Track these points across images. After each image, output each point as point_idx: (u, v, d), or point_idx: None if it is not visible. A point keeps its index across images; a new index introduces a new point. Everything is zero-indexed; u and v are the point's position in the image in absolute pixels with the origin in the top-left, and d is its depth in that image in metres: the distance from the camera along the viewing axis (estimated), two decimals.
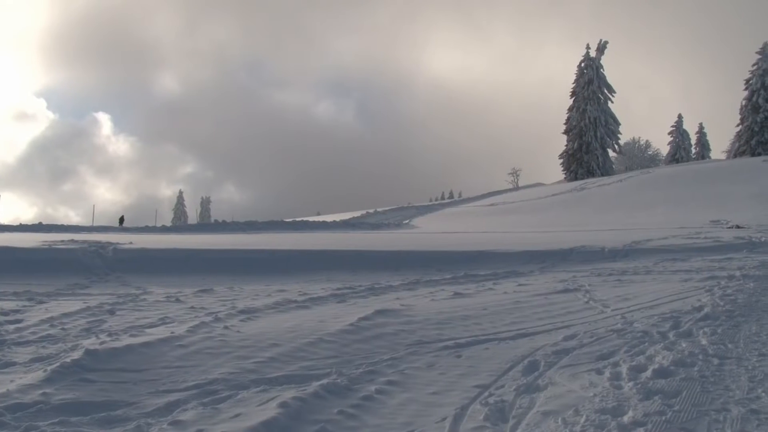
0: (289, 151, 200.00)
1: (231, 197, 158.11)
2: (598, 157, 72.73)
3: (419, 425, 4.54)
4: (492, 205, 49.02)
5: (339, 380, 5.41)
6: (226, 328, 7.34)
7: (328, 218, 41.96)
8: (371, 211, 47.03)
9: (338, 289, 10.91)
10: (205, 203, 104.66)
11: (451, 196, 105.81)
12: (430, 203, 67.32)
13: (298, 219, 38.55)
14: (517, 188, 72.69)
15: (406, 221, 38.90)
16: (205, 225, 41.42)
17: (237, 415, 4.59)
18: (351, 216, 42.81)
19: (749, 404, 4.85)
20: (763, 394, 5.11)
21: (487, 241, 19.76)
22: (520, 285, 11.46)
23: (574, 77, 74.46)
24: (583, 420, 4.53)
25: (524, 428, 4.47)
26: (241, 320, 7.91)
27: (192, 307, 8.99)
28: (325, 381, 5.35)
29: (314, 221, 37.76)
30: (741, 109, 70.70)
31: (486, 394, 5.20)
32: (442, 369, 5.96)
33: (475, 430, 4.43)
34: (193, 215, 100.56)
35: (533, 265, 14.45)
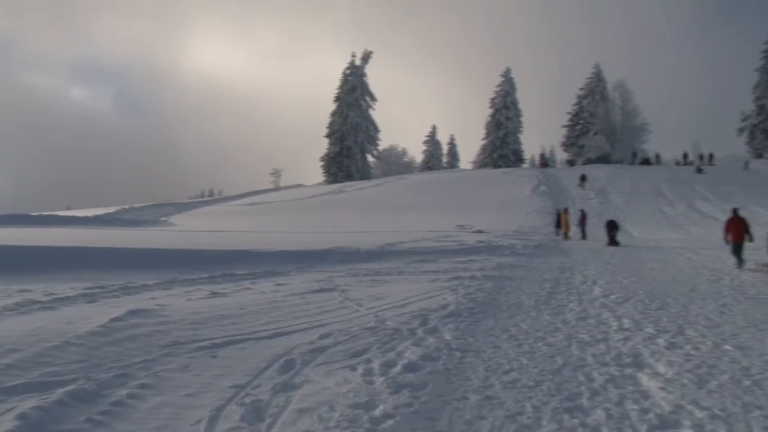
0: (38, 141, 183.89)
1: None
2: (357, 162, 75.37)
3: (173, 429, 4.45)
4: (252, 204, 48.94)
5: (87, 386, 5.12)
6: None
7: (80, 213, 39.32)
8: (127, 207, 45.13)
9: (88, 288, 10.27)
10: None
11: (211, 193, 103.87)
12: (190, 200, 65.59)
13: (45, 213, 35.62)
14: (278, 188, 73.10)
15: (164, 218, 37.65)
16: None
17: None
18: (105, 212, 40.52)
19: (485, 392, 5.42)
20: (496, 382, 5.71)
21: (246, 240, 19.70)
22: (277, 284, 11.57)
23: (338, 82, 76.59)
24: (337, 415, 4.72)
25: (280, 427, 4.56)
26: None
27: None
28: (71, 387, 5.04)
29: (64, 216, 35.26)
30: (486, 124, 77.42)
31: (242, 394, 5.22)
32: (198, 370, 5.88)
33: (230, 431, 4.45)
34: None
35: (291, 265, 14.64)
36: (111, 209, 43.70)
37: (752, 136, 71.37)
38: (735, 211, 17.36)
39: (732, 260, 16.00)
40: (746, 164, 54.52)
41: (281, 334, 7.47)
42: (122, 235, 21.80)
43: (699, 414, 4.90)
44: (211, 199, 70.28)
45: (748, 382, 5.76)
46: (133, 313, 7.88)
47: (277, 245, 17.43)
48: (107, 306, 8.84)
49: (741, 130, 72.74)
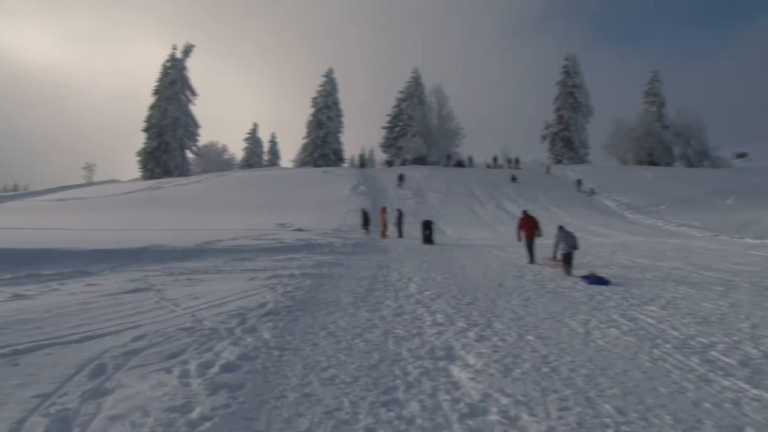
0: None
1: None
2: (176, 157, 73.23)
3: None
4: (63, 200, 46.04)
5: None
6: None
7: None
8: None
9: None
10: None
11: (16, 188, 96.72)
12: None
13: None
14: (91, 184, 69.29)
15: None
16: None
17: None
18: None
19: (303, 389, 5.51)
20: (315, 379, 5.82)
21: (55, 238, 18.50)
22: (88, 285, 11.03)
23: (158, 75, 74.14)
24: (151, 421, 4.60)
25: None
26: None
27: None
28: None
29: None
30: (308, 123, 77.96)
31: (47, 403, 4.94)
32: None
33: None
34: None
35: (104, 265, 13.97)
36: None
37: (553, 143, 77.59)
38: (525, 212, 19.08)
39: (527, 256, 17.34)
40: (548, 169, 59.05)
41: (92, 338, 7.14)
42: None
43: (504, 401, 5.28)
44: (16, 193, 65.17)
45: (546, 369, 6.27)
46: None
47: (89, 244, 16.55)
48: None
49: (544, 138, 78.78)
